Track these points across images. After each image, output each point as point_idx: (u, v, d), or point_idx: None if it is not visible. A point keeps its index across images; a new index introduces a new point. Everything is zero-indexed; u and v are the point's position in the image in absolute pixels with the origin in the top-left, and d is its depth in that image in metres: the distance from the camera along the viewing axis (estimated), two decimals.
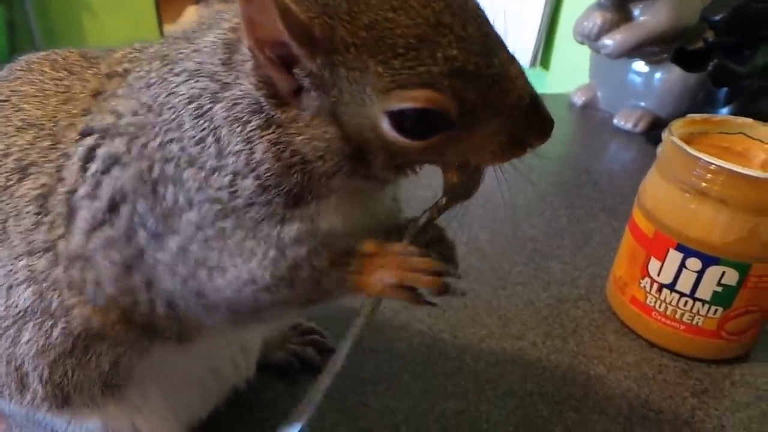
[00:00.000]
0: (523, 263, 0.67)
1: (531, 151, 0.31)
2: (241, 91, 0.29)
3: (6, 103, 0.34)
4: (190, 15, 2.90)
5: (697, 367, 0.54)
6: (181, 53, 0.31)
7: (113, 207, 0.30)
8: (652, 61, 1.01)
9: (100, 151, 0.30)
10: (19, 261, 0.31)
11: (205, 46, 0.30)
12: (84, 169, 0.31)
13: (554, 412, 0.48)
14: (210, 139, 0.29)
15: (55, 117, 0.32)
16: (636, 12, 0.98)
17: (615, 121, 1.06)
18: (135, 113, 0.30)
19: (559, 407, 0.49)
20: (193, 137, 0.29)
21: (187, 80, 0.30)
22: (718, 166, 0.47)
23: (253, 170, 0.29)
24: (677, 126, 0.55)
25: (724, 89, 0.90)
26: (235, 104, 0.29)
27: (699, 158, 0.48)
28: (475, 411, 0.48)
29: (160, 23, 2.89)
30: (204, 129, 0.29)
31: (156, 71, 0.31)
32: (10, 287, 0.32)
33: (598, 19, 0.99)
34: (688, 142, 0.55)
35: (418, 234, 0.35)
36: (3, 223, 0.32)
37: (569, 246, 0.71)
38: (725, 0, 0.84)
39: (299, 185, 0.29)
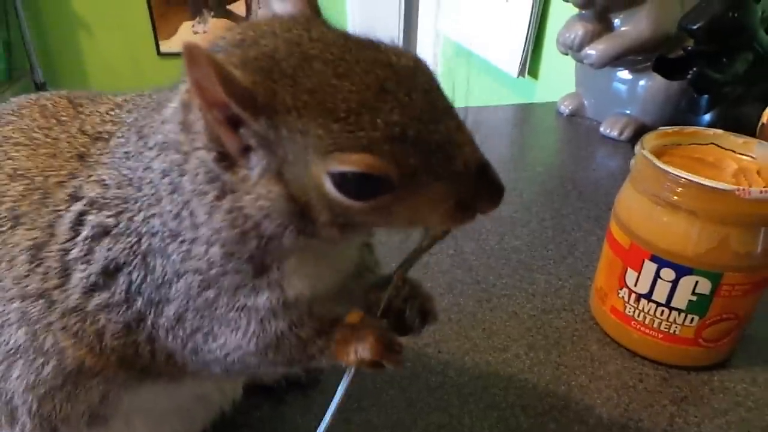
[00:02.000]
0: (508, 275, 0.68)
1: (481, 216, 0.32)
2: (197, 159, 0.30)
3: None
4: (186, 31, 2.93)
5: (677, 375, 0.55)
6: (152, 126, 0.32)
7: (108, 274, 0.32)
8: (636, 69, 1.03)
9: (90, 219, 0.32)
10: (12, 303, 0.33)
11: (170, 113, 0.31)
12: (75, 231, 0.32)
13: (536, 424, 0.49)
14: (185, 213, 0.30)
15: (44, 172, 0.34)
16: (617, 22, 1.00)
17: (601, 129, 1.07)
18: (119, 185, 0.32)
19: (541, 419, 0.50)
20: (171, 212, 0.31)
21: (158, 155, 0.31)
22: (688, 179, 0.48)
23: (217, 239, 0.30)
24: (649, 139, 0.56)
25: (706, 96, 0.92)
26: (196, 175, 0.30)
27: (669, 172, 0.49)
28: (457, 424, 0.49)
29: (156, 40, 2.92)
30: (178, 204, 0.30)
31: (133, 144, 0.33)
32: (2, 326, 0.33)
33: (579, 30, 1.01)
34: (661, 154, 0.57)
35: (398, 290, 0.37)
36: None
37: (554, 257, 0.72)
38: (703, 9, 0.86)
39: (257, 249, 0.31)
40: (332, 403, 0.36)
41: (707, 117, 0.94)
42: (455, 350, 0.57)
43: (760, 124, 0.81)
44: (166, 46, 2.95)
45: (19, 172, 0.34)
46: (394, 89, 0.28)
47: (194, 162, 0.30)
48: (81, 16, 2.81)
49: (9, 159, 0.35)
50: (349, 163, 0.27)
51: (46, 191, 0.33)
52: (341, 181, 0.28)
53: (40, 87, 2.74)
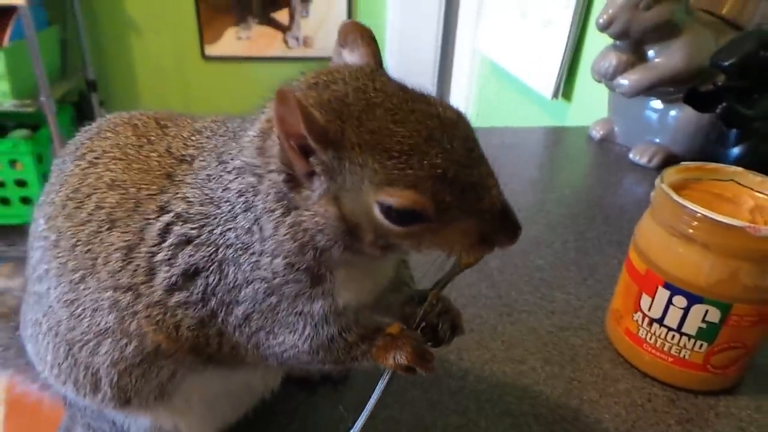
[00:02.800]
0: (530, 292, 0.72)
1: (499, 250, 0.37)
2: (269, 180, 0.36)
3: (100, 161, 0.41)
4: (230, 36, 3.03)
5: (684, 398, 0.58)
6: (230, 153, 0.38)
7: (188, 277, 0.38)
8: (668, 99, 1.06)
9: (176, 230, 0.38)
10: (105, 292, 0.39)
11: (248, 140, 0.37)
12: (162, 238, 0.38)
13: None
14: (255, 228, 0.36)
15: (137, 184, 0.40)
16: (651, 53, 1.03)
17: (630, 155, 1.10)
18: (201, 203, 0.38)
19: (551, 427, 0.54)
20: (244, 227, 0.37)
21: (236, 177, 0.37)
22: (703, 214, 0.52)
23: (281, 251, 0.36)
24: (671, 173, 0.59)
25: (735, 130, 0.94)
26: (268, 195, 0.36)
27: (685, 206, 0.53)
28: (474, 427, 0.53)
29: (202, 43, 3.03)
30: (251, 220, 0.36)
31: (214, 168, 0.39)
32: (95, 309, 0.39)
33: (613, 60, 1.04)
34: (682, 188, 0.60)
35: (432, 307, 0.43)
36: (94, 260, 0.39)
37: (575, 277, 0.76)
38: (735, 46, 0.89)
39: (313, 261, 0.37)
40: (370, 400, 0.41)
41: (736, 150, 0.96)
42: (475, 359, 0.61)
43: None
44: (210, 50, 3.05)
45: (116, 183, 0.40)
46: (439, 137, 0.33)
47: (267, 183, 0.36)
48: (132, 19, 2.94)
49: (108, 171, 0.41)
50: (397, 197, 0.33)
51: (139, 201, 0.39)
52: (387, 209, 0.34)
53: (90, 84, 2.87)
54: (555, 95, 1.45)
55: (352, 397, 0.55)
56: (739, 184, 0.60)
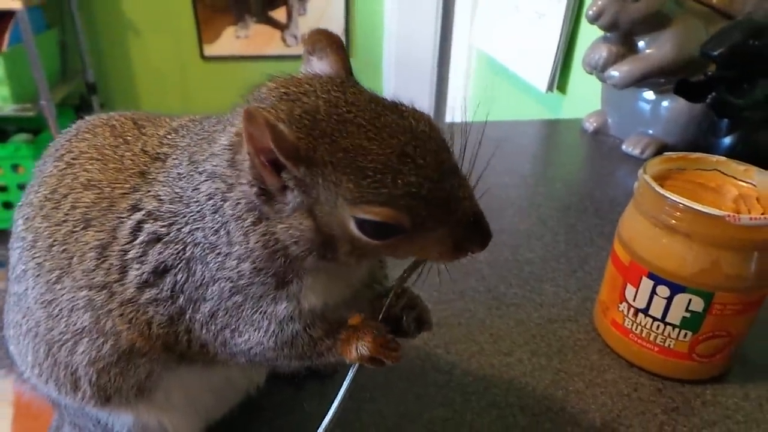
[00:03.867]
0: (519, 285, 0.72)
1: (471, 256, 0.38)
2: (241, 191, 0.36)
3: (77, 161, 0.42)
4: (228, 36, 3.04)
5: (671, 387, 0.59)
6: (203, 155, 0.39)
7: (158, 274, 0.39)
8: (660, 90, 1.06)
9: (146, 227, 0.39)
10: (81, 291, 0.39)
11: (219, 149, 0.38)
12: (134, 236, 0.39)
13: (532, 423, 0.54)
14: (222, 231, 0.37)
15: (112, 184, 0.40)
16: (641, 44, 1.03)
17: (623, 147, 1.10)
18: (171, 201, 0.39)
19: (537, 418, 0.54)
20: (212, 227, 0.37)
21: (206, 180, 0.38)
22: (684, 204, 0.52)
23: (249, 256, 0.37)
24: (653, 164, 0.60)
25: (726, 120, 0.94)
26: (237, 203, 0.36)
27: (667, 197, 0.53)
28: (459, 419, 0.53)
29: (200, 43, 3.03)
30: (218, 222, 0.37)
31: (185, 167, 0.39)
32: (72, 309, 0.40)
33: (604, 52, 1.04)
34: (666, 178, 0.61)
35: (397, 299, 0.43)
36: (70, 259, 0.39)
37: (564, 270, 0.76)
38: (724, 36, 0.88)
39: (282, 267, 0.37)
40: (338, 394, 0.42)
41: (727, 140, 0.96)
42: (462, 352, 0.61)
43: None
44: (209, 50, 3.06)
45: (92, 183, 0.40)
46: (412, 153, 0.34)
47: (237, 193, 0.36)
48: (131, 20, 2.95)
49: (84, 171, 0.41)
50: (372, 214, 0.34)
51: (113, 200, 0.40)
52: (363, 224, 0.35)
53: (90, 87, 2.88)
54: (550, 88, 1.45)
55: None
56: (723, 173, 0.60)
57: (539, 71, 1.48)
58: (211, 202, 0.37)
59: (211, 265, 0.38)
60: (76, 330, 0.40)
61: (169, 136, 0.42)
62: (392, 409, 0.54)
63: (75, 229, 0.39)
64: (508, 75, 1.72)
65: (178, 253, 0.38)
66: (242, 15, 3.06)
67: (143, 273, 0.38)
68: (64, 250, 0.39)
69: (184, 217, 0.38)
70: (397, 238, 0.35)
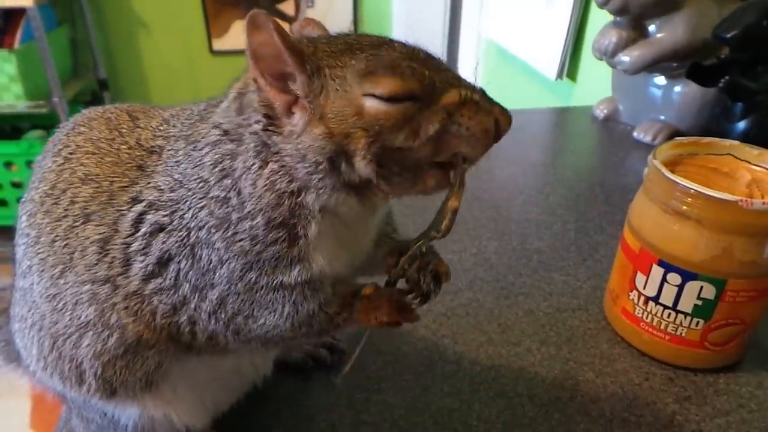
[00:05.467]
0: (528, 274, 0.72)
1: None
2: (249, 137, 0.37)
3: (74, 156, 0.42)
4: (237, 29, 3.04)
5: (683, 376, 0.58)
6: (200, 132, 0.39)
7: (162, 263, 0.39)
8: (671, 75, 1.04)
9: (148, 218, 0.39)
10: (84, 285, 0.39)
11: (224, 108, 0.39)
12: (136, 228, 0.39)
13: (541, 413, 0.53)
14: (233, 193, 0.37)
15: (109, 177, 0.40)
16: (652, 28, 1.01)
17: (635, 134, 1.08)
18: (171, 189, 0.39)
19: (546, 408, 0.53)
20: (219, 198, 0.37)
21: (210, 150, 0.38)
22: (695, 190, 0.51)
23: (260, 209, 0.37)
24: (663, 149, 0.58)
25: (741, 104, 0.92)
26: (248, 153, 0.37)
27: (678, 183, 0.52)
28: (467, 409, 0.53)
29: (209, 38, 3.04)
30: (226, 187, 0.37)
31: (182, 150, 0.40)
32: (76, 303, 0.40)
33: (614, 37, 1.02)
34: (677, 164, 0.59)
35: (412, 259, 0.43)
36: (71, 254, 0.40)
37: (574, 258, 0.75)
38: (737, 18, 0.86)
39: (289, 212, 0.37)
40: (355, 350, 0.43)
41: (741, 125, 0.94)
42: (471, 342, 0.61)
43: None
44: (218, 45, 3.06)
45: (89, 177, 0.41)
46: (395, 43, 0.39)
47: (246, 141, 0.37)
48: (140, 16, 2.96)
49: (81, 165, 0.41)
50: (383, 84, 0.36)
51: (112, 194, 0.40)
52: (375, 93, 0.36)
53: (102, 84, 2.90)
54: (559, 76, 1.43)
55: (347, 383, 0.55)
56: (736, 157, 0.59)
57: (549, 59, 1.46)
58: (218, 168, 0.38)
59: (218, 244, 0.38)
60: (81, 323, 0.40)
61: (162, 128, 0.42)
62: (400, 400, 0.54)
63: (75, 224, 0.40)
64: (517, 63, 1.70)
65: (182, 240, 0.38)
66: (250, 8, 3.05)
67: (148, 264, 0.38)
68: (65, 245, 0.40)
69: (186, 201, 0.38)
70: (413, 105, 0.36)
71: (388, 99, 0.36)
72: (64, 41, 2.74)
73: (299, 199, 0.38)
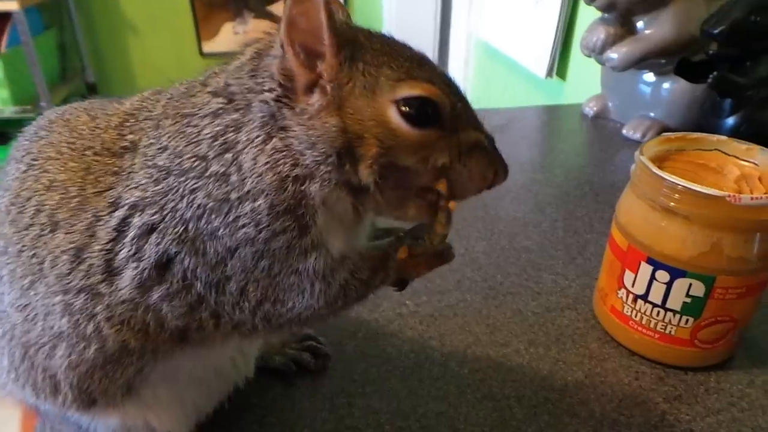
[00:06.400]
0: (516, 274, 0.71)
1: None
2: (257, 106, 0.35)
3: (36, 162, 0.40)
4: (227, 32, 3.02)
5: (673, 375, 0.57)
6: (195, 104, 0.37)
7: (162, 267, 0.36)
8: (660, 71, 1.03)
9: (135, 221, 0.36)
10: (56, 296, 0.37)
11: (233, 70, 0.37)
12: (120, 233, 0.36)
13: (529, 415, 0.52)
14: (233, 168, 0.35)
15: (78, 183, 0.38)
16: (640, 25, 1.00)
17: (624, 131, 1.08)
18: (156, 181, 0.36)
19: (534, 410, 0.52)
20: (218, 174, 0.35)
21: (210, 122, 0.36)
22: (683, 186, 0.50)
23: (261, 189, 0.35)
24: (651, 145, 0.58)
25: (730, 100, 0.92)
26: (253, 123, 0.35)
27: (665, 178, 0.51)
28: (454, 413, 0.52)
29: (199, 40, 3.02)
30: (227, 162, 0.35)
31: (170, 131, 0.37)
32: (48, 314, 0.37)
33: (602, 33, 1.02)
34: (664, 160, 0.59)
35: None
36: (41, 264, 0.37)
37: (563, 257, 0.74)
38: (724, 13, 0.86)
39: (293, 199, 0.35)
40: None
41: (731, 120, 0.93)
42: (458, 343, 0.60)
43: None
44: (208, 47, 3.05)
45: (54, 184, 0.38)
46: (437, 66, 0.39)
47: (254, 110, 0.35)
48: (129, 19, 2.94)
49: (44, 172, 0.39)
50: (419, 89, 0.35)
51: (84, 199, 0.37)
52: (405, 106, 0.35)
53: (90, 87, 2.88)
54: (549, 74, 1.42)
55: (331, 387, 0.54)
56: (724, 153, 0.58)
57: (538, 57, 1.45)
58: (218, 141, 0.35)
59: (221, 232, 0.35)
60: (54, 334, 0.38)
61: (127, 123, 0.40)
62: (385, 405, 0.52)
63: (43, 233, 0.37)
64: (507, 62, 1.70)
65: (178, 236, 0.35)
66: (240, 10, 3.04)
67: (143, 270, 0.36)
68: (33, 255, 0.37)
69: (177, 190, 0.35)
70: (435, 131, 0.36)
71: (416, 120, 0.35)
72: (51, 45, 2.72)
73: (303, 187, 0.35)
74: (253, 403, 0.52)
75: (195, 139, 0.36)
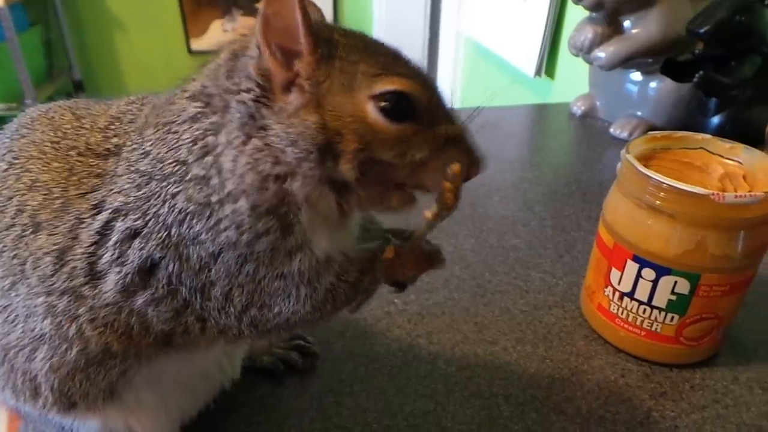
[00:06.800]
0: (504, 272, 0.71)
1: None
2: (235, 107, 0.35)
3: (17, 161, 0.39)
4: (215, 29, 3.00)
5: (659, 372, 0.57)
6: (174, 111, 0.36)
7: (146, 272, 0.35)
8: (647, 71, 1.04)
9: (118, 226, 0.35)
10: (38, 298, 0.36)
11: (210, 72, 0.37)
12: (103, 237, 0.36)
13: (516, 413, 0.52)
14: (213, 171, 0.35)
15: (61, 184, 0.37)
16: (627, 24, 1.01)
17: (611, 130, 1.08)
18: (138, 187, 0.36)
19: (522, 408, 0.53)
20: (199, 178, 0.35)
21: (189, 127, 0.35)
22: (668, 184, 0.50)
23: (242, 190, 0.34)
24: (636, 144, 0.58)
25: (715, 99, 0.93)
26: (231, 124, 0.35)
27: (651, 177, 0.51)
28: (441, 411, 0.52)
29: (187, 38, 3.00)
30: (207, 166, 0.35)
31: (150, 138, 0.36)
32: (29, 315, 0.37)
33: (589, 33, 1.02)
34: (650, 158, 0.59)
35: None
36: (22, 265, 0.36)
37: (551, 255, 0.74)
38: (710, 13, 0.87)
39: (276, 198, 0.35)
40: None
41: (716, 119, 0.94)
42: (446, 342, 0.60)
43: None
44: (196, 44, 3.03)
45: (37, 184, 0.37)
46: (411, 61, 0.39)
47: (232, 111, 0.35)
48: (116, 16, 2.91)
49: (26, 171, 0.38)
50: (396, 83, 0.35)
51: (67, 201, 0.37)
52: (382, 101, 0.35)
53: (77, 85, 2.85)
54: (538, 73, 1.43)
55: (319, 386, 0.54)
56: (709, 151, 0.59)
57: (527, 56, 1.46)
58: (198, 145, 0.35)
59: (202, 237, 0.34)
60: (34, 336, 0.37)
61: (113, 126, 0.40)
62: (372, 403, 0.52)
63: (24, 234, 0.37)
64: (496, 61, 1.70)
65: (162, 241, 0.35)
66: (229, 8, 3.02)
67: (126, 275, 0.35)
68: (14, 255, 0.37)
69: (158, 195, 0.35)
70: (412, 125, 0.36)
71: (393, 115, 0.35)
72: (37, 42, 2.68)
73: (284, 185, 0.35)
74: (240, 403, 0.52)
75: (175, 145, 0.35)
